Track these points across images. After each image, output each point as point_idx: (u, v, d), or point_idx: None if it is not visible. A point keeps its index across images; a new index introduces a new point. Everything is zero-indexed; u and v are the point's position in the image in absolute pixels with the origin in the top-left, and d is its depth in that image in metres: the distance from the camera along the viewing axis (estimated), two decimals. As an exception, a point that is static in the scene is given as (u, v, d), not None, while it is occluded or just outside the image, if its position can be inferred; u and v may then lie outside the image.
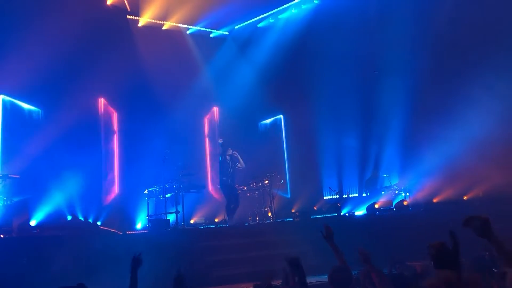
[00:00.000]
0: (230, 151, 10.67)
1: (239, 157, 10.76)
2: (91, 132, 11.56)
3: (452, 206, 10.29)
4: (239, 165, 10.67)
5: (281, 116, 14.30)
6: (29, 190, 9.97)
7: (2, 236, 8.01)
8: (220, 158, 10.76)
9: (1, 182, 9.20)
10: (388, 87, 12.36)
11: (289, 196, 13.46)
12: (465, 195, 11.18)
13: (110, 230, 9.36)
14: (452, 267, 2.83)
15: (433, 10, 11.52)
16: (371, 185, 12.46)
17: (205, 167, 13.53)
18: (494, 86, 10.42)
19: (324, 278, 4.06)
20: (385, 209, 10.68)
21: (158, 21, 12.96)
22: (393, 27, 11.72)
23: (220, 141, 10.92)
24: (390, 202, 10.90)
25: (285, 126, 14.27)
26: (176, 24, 13.22)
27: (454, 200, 10.87)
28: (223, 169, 10.60)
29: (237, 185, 11.02)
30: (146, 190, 10.52)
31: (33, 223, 9.01)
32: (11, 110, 10.44)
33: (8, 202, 8.92)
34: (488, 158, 10.45)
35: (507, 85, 10.38)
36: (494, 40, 10.88)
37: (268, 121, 14.61)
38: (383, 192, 11.97)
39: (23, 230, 8.50)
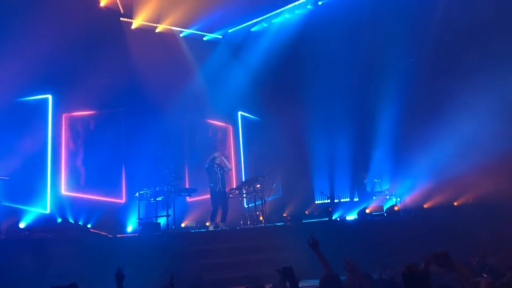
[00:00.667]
0: (217, 154, 10.77)
1: (225, 160, 10.83)
2: (80, 133, 11.48)
3: (443, 212, 10.38)
4: (226, 169, 10.78)
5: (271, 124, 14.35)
6: (19, 191, 9.92)
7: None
8: (206, 165, 10.78)
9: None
10: (379, 92, 12.42)
11: (280, 195, 13.46)
12: (455, 201, 11.25)
13: (100, 233, 9.31)
14: None
15: (424, 15, 11.61)
16: (361, 189, 12.49)
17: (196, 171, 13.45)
18: (487, 91, 10.50)
19: (315, 282, 4.07)
20: (376, 214, 10.72)
21: (152, 24, 12.92)
22: (385, 33, 11.81)
23: (217, 154, 10.91)
24: (381, 207, 10.95)
25: (275, 129, 14.24)
26: (170, 27, 13.19)
27: (445, 205, 10.93)
28: (211, 176, 10.63)
29: (227, 189, 11.03)
30: (137, 193, 10.47)
31: (22, 225, 8.94)
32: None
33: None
34: (479, 164, 10.52)
35: (500, 90, 10.46)
36: (485, 43, 10.95)
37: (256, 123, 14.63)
38: (374, 197, 12.02)
39: (12, 232, 8.43)
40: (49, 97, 11.13)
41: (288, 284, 3.80)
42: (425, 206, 11.27)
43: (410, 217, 10.47)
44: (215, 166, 10.67)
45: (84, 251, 7.38)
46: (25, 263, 6.90)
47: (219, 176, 10.62)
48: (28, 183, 10.15)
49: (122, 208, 11.34)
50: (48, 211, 10.33)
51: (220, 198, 10.64)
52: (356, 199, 12.69)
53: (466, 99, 10.62)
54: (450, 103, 11.08)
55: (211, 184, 10.58)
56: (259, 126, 14.46)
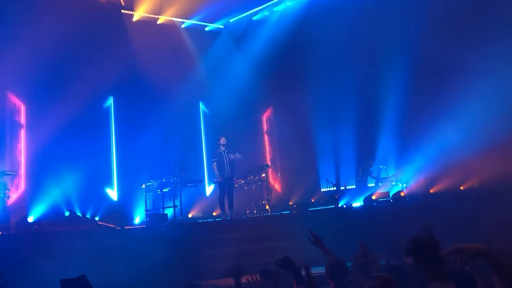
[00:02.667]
0: (222, 140, 10.50)
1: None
2: (86, 127, 11.49)
3: (449, 197, 10.36)
4: (233, 156, 10.45)
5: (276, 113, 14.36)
6: (27, 186, 10.00)
7: (0, 233, 8.03)
8: (212, 154, 10.67)
9: (-2, 179, 9.19)
10: (384, 77, 12.36)
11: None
12: (461, 185, 11.23)
13: (108, 226, 9.37)
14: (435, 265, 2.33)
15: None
16: (364, 176, 12.46)
17: (202, 161, 13.50)
18: (492, 75, 10.42)
19: (322, 269, 4.09)
20: (382, 200, 10.73)
21: (153, 15, 12.88)
22: (390, 18, 11.71)
23: (222, 140, 10.58)
24: (387, 193, 10.96)
25: (281, 118, 14.25)
26: (171, 18, 13.15)
27: (451, 190, 10.91)
28: (219, 162, 10.43)
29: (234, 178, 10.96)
30: (144, 184, 10.52)
31: (31, 219, 9.02)
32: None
33: (7, 198, 8.91)
34: (485, 148, 10.48)
35: (505, 74, 10.37)
36: (492, 28, 10.83)
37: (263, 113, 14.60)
38: (380, 184, 12.02)
39: (21, 226, 8.51)
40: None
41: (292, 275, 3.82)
42: (431, 191, 11.27)
43: (416, 202, 10.46)
44: (221, 150, 10.47)
45: (93, 244, 7.44)
46: (34, 256, 6.97)
47: (226, 161, 10.44)
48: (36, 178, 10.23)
49: (128, 201, 11.38)
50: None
51: (227, 185, 10.46)
52: (353, 186, 12.72)
53: (472, 82, 10.55)
54: (455, 87, 11.01)
55: (219, 172, 10.36)
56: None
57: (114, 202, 11.38)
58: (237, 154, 10.47)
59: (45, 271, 6.51)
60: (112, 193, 11.66)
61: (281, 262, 3.65)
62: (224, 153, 10.44)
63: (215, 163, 10.41)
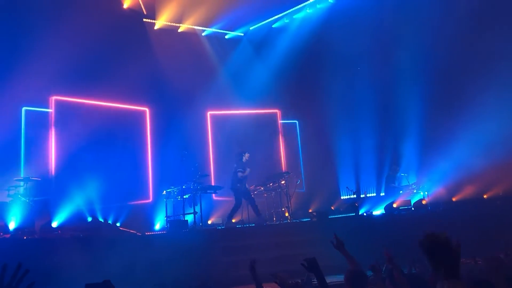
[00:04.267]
0: (247, 156, 10.88)
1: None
2: (110, 133, 11.70)
3: (472, 205, 10.19)
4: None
5: (296, 121, 14.36)
6: (50, 192, 10.19)
7: (25, 237, 8.20)
8: (236, 165, 10.86)
9: (23, 185, 9.41)
10: (404, 85, 12.26)
11: (304, 190, 13.45)
12: (485, 193, 11.02)
13: (129, 231, 9.48)
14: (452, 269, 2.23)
15: (451, 5, 11.35)
16: (390, 182, 12.32)
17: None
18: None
19: (341, 278, 4.07)
20: (403, 209, 10.60)
21: (174, 24, 13.07)
22: (411, 26, 11.62)
23: (247, 156, 10.95)
24: (409, 202, 10.82)
25: (301, 126, 14.28)
26: (192, 27, 13.32)
27: (474, 198, 10.72)
28: (242, 177, 10.73)
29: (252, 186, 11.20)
30: (164, 191, 10.63)
31: (54, 224, 9.19)
32: (32, 116, 10.69)
33: (31, 204, 9.11)
34: (509, 156, 10.29)
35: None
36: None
37: (284, 121, 14.59)
38: (401, 192, 11.88)
39: (45, 231, 8.68)
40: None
41: (313, 277, 3.80)
42: (453, 199, 11.09)
43: (438, 210, 10.31)
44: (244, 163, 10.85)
45: (115, 249, 7.54)
46: (58, 261, 7.11)
47: (247, 175, 10.79)
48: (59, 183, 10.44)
49: (149, 207, 11.54)
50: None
51: (246, 196, 10.78)
52: (382, 194, 12.57)
53: (496, 90, 10.39)
54: (479, 93, 10.83)
55: (237, 185, 10.69)
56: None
57: (134, 208, 11.49)
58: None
59: (68, 276, 6.63)
60: (136, 200, 11.79)
61: (307, 262, 3.63)
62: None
63: (240, 173, 10.69)
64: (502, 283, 3.31)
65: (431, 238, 2.15)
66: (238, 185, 10.71)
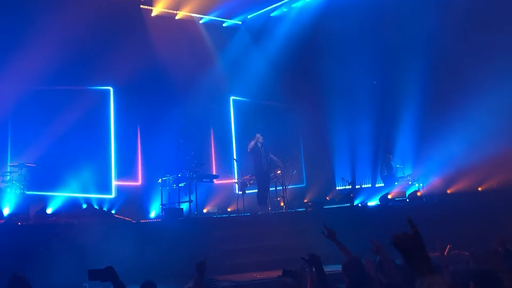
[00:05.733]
0: (259, 138, 10.84)
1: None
2: (103, 121, 11.65)
3: (467, 197, 10.23)
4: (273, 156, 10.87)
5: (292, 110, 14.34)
6: (45, 178, 10.16)
7: (19, 223, 8.18)
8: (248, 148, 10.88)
9: (17, 171, 9.36)
10: (401, 76, 12.23)
11: (305, 184, 13.48)
12: (479, 186, 11.07)
13: (124, 219, 9.48)
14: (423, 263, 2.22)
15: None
16: (388, 170, 12.31)
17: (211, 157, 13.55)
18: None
19: (337, 267, 4.09)
20: (398, 200, 10.64)
21: (171, 11, 12.94)
22: (410, 16, 11.56)
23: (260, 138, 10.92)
24: (404, 193, 10.85)
25: (297, 115, 14.24)
26: (189, 14, 13.19)
27: (469, 191, 10.77)
28: (258, 158, 10.72)
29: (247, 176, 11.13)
30: (160, 179, 10.62)
31: (49, 211, 9.18)
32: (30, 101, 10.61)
33: (26, 190, 9.08)
34: (504, 149, 10.31)
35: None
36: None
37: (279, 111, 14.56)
38: (396, 183, 11.91)
39: (40, 218, 8.67)
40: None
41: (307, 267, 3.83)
42: (448, 191, 11.13)
43: (433, 202, 10.35)
44: (259, 145, 10.79)
45: (109, 236, 7.54)
46: (53, 247, 7.10)
47: (263, 155, 10.74)
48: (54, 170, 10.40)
49: (144, 194, 11.51)
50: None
51: (266, 179, 10.77)
52: (378, 185, 12.60)
53: (495, 83, 10.38)
54: (477, 86, 10.82)
55: (258, 166, 10.67)
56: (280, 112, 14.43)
57: (129, 195, 11.47)
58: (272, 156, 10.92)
59: (62, 262, 6.63)
60: (130, 187, 11.78)
61: (308, 257, 3.65)
62: (261, 149, 10.75)
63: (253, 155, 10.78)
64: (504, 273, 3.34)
65: (397, 237, 2.16)
66: (259, 166, 10.73)
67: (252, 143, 10.79)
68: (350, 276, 3.81)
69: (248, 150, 10.89)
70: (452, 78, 11.65)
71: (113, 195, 11.39)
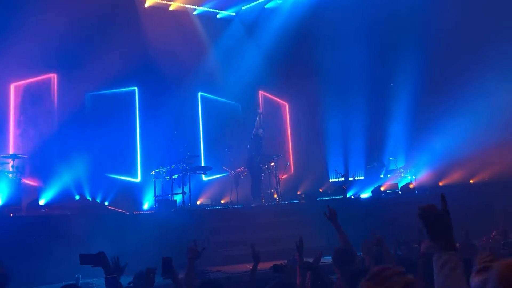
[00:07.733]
0: (260, 115, 10.50)
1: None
2: (97, 112, 11.56)
3: (458, 190, 10.31)
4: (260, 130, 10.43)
5: (286, 103, 14.32)
6: (38, 169, 10.11)
7: (11, 214, 8.14)
8: (253, 132, 10.55)
9: (10, 162, 9.30)
10: (395, 68, 12.26)
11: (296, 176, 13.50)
12: (471, 178, 11.15)
13: (117, 210, 9.47)
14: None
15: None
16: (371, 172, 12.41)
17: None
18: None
19: (329, 259, 4.11)
20: (390, 192, 10.71)
21: (165, 2, 12.82)
22: (405, 8, 11.54)
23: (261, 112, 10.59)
24: (396, 185, 10.93)
25: (290, 107, 14.25)
26: (183, 5, 13.07)
27: (461, 183, 10.85)
28: (256, 144, 10.48)
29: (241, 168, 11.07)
30: (153, 171, 10.59)
31: (42, 202, 9.13)
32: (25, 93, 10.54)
33: (18, 181, 9.02)
34: (495, 142, 10.38)
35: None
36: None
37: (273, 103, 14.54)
38: (388, 175, 11.98)
39: (32, 209, 8.63)
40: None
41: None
42: (440, 184, 11.21)
43: (425, 195, 10.42)
44: (260, 135, 10.51)
45: (102, 228, 7.52)
46: (45, 239, 7.08)
47: (261, 144, 10.53)
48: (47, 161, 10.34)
49: (138, 186, 11.49)
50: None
51: (259, 170, 10.53)
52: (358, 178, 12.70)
53: (484, 75, 10.42)
54: (467, 79, 10.87)
55: (252, 153, 10.41)
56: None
57: (123, 187, 11.42)
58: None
59: (55, 253, 6.62)
60: (123, 179, 11.73)
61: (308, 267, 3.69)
62: (262, 140, 10.55)
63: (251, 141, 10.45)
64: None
65: (426, 208, 2.14)
66: (253, 153, 10.39)
67: (258, 123, 10.42)
68: (340, 265, 3.82)
69: (254, 133, 10.49)
70: (446, 71, 11.69)
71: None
